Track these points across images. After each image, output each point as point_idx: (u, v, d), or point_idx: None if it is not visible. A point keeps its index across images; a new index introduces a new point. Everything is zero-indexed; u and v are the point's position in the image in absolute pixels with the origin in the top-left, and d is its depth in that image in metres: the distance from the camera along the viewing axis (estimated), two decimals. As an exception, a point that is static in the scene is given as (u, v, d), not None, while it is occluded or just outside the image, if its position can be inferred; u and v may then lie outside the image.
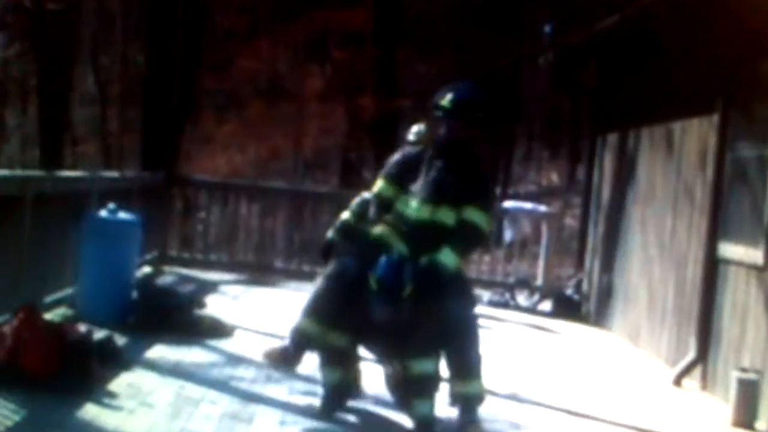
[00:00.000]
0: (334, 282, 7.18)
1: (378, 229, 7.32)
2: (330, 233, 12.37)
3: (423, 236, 7.07)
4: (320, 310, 7.18)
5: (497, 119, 7.95)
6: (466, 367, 7.11)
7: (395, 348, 7.10)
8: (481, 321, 7.46)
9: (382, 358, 7.39)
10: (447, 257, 6.94)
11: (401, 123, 21.08)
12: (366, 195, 12.61)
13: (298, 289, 14.26)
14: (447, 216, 7.05)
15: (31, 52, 24.47)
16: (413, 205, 7.12)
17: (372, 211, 7.55)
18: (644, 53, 12.47)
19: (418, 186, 7.13)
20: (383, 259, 6.96)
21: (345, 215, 12.54)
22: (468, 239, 7.11)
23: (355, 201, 12.57)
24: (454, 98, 7.09)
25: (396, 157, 7.45)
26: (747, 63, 9.39)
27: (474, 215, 7.02)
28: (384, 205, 7.37)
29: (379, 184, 7.46)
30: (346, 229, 12.34)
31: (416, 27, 27.83)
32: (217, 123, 28.04)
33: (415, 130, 12.63)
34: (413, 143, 12.37)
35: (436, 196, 7.06)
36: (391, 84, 24.99)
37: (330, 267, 7.33)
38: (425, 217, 7.08)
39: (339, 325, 7.20)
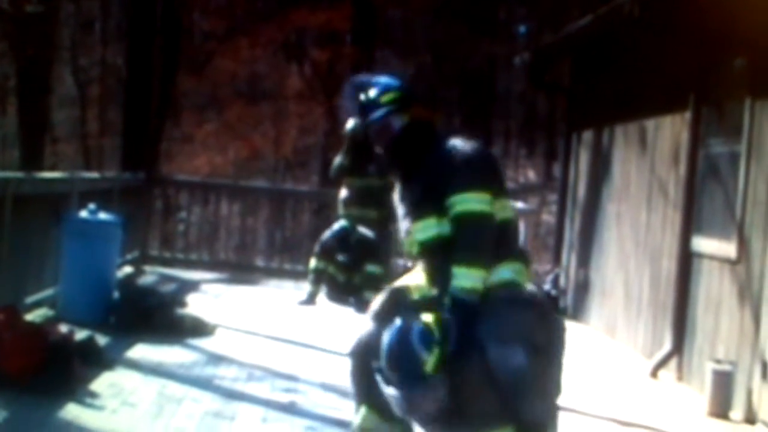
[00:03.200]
0: (360, 360, 5.56)
1: (410, 276, 5.67)
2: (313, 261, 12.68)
3: (436, 266, 5.32)
4: (363, 393, 5.60)
5: (415, 86, 5.19)
6: (529, 424, 5.17)
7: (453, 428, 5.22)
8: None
9: None
10: (461, 279, 5.07)
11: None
12: (327, 233, 12.95)
13: (279, 287, 14.39)
14: (427, 228, 5.29)
15: (10, 54, 24.41)
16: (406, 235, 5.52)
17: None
18: (618, 52, 12.58)
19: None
20: (384, 338, 5.16)
21: (312, 263, 12.85)
22: (469, 237, 5.13)
23: (319, 241, 12.92)
24: (350, 111, 5.69)
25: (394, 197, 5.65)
26: (718, 61, 9.51)
27: (458, 204, 5.15)
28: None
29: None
30: (319, 275, 12.67)
31: (394, 27, 27.91)
32: (197, 123, 28.05)
33: (348, 127, 12.93)
34: (349, 136, 12.67)
35: (413, 214, 5.37)
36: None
37: (353, 342, 5.71)
38: (416, 244, 5.41)
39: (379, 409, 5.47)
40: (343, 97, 5.69)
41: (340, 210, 12.96)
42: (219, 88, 27.75)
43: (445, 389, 5.00)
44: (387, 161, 5.57)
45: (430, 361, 4.97)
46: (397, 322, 5.13)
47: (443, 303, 5.14)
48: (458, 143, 5.36)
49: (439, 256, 5.24)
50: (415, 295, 5.42)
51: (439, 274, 5.23)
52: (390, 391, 5.06)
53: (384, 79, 5.58)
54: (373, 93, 5.46)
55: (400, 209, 5.48)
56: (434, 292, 5.30)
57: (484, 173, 5.26)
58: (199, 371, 8.50)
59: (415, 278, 5.52)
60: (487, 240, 5.15)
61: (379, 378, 5.14)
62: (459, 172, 5.20)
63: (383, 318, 5.39)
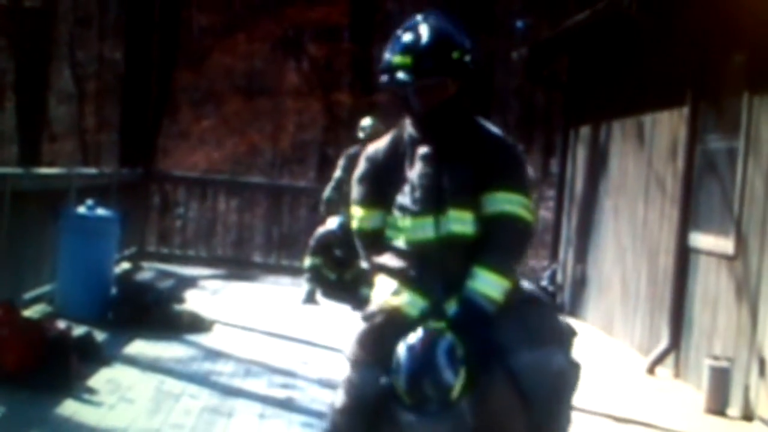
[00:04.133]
0: (352, 419, 4.52)
1: (381, 293, 4.65)
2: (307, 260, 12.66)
3: (441, 268, 4.47)
4: None
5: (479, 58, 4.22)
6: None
7: None
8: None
9: None
10: (486, 285, 4.39)
11: (377, 117, 21.16)
12: (322, 229, 12.94)
13: (277, 283, 14.41)
14: (462, 222, 4.46)
15: (8, 49, 24.46)
16: (408, 224, 4.52)
17: (362, 257, 4.86)
18: (615, 48, 12.60)
19: (405, 194, 4.54)
20: (402, 351, 4.28)
21: (307, 261, 12.84)
22: (508, 241, 4.47)
23: (314, 237, 12.92)
24: (412, 46, 4.45)
25: (361, 166, 4.73)
26: (716, 57, 9.51)
27: (505, 202, 4.45)
28: (372, 241, 4.69)
29: (355, 216, 4.75)
30: (316, 272, 12.67)
31: (391, 22, 27.90)
32: (194, 119, 28.06)
33: (363, 125, 12.94)
34: (362, 140, 12.69)
35: (434, 200, 4.47)
36: (367, 79, 25.09)
37: (338, 392, 4.60)
38: (430, 236, 4.48)
39: None
40: (405, 31, 4.54)
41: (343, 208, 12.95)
42: (216, 84, 27.76)
43: (473, 416, 4.26)
44: (421, 129, 4.53)
45: (456, 385, 4.20)
46: (418, 333, 4.28)
47: (447, 311, 4.42)
48: (496, 130, 4.66)
49: (459, 256, 4.45)
50: (413, 312, 4.47)
51: (451, 277, 4.42)
52: (407, 418, 4.28)
53: (462, 30, 4.61)
54: (446, 42, 4.49)
55: (405, 193, 4.53)
56: (431, 302, 4.47)
57: (528, 174, 4.67)
58: (196, 367, 8.52)
59: (388, 294, 4.57)
60: (524, 252, 4.60)
61: (393, 400, 4.31)
62: (510, 168, 4.54)
63: (375, 360, 4.42)
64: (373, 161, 4.69)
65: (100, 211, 10.28)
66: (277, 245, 16.73)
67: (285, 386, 8.08)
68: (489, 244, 4.43)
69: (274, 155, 28.36)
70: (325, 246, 12.78)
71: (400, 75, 4.42)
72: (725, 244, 8.97)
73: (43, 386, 7.07)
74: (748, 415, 8.26)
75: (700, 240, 9.64)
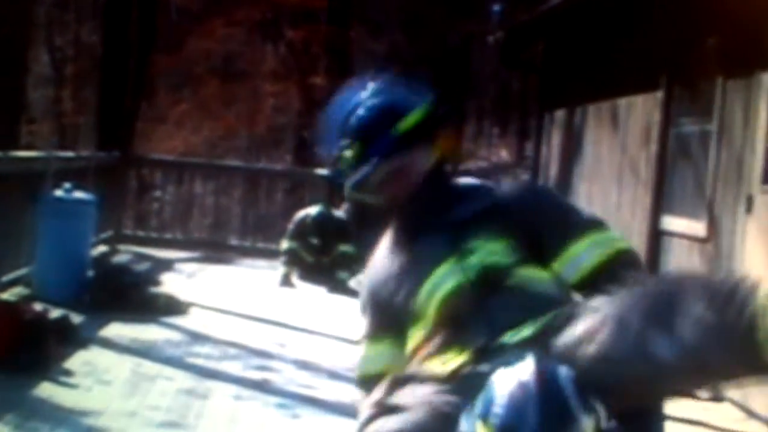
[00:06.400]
0: None
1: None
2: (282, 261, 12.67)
3: (485, 318, 3.12)
4: None
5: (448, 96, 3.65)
6: None
7: None
8: None
9: None
10: None
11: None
12: (302, 213, 12.95)
13: (253, 266, 14.44)
14: (494, 253, 3.21)
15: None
16: (425, 290, 3.22)
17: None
18: (590, 32, 12.65)
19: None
20: (503, 399, 2.79)
21: (285, 244, 12.87)
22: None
23: (293, 222, 12.96)
24: (354, 132, 3.36)
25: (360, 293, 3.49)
26: (690, 41, 9.58)
27: (593, 249, 3.33)
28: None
29: (359, 359, 3.46)
30: (293, 255, 12.69)
31: (368, 5, 27.87)
32: (171, 102, 27.99)
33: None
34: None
35: (450, 243, 3.24)
36: (344, 63, 25.09)
37: None
38: (460, 280, 3.19)
39: None
40: (326, 128, 3.59)
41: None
42: (193, 67, 27.70)
43: None
44: (402, 227, 3.38)
45: (588, 427, 2.83)
46: (527, 364, 2.86)
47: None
48: (506, 184, 3.68)
49: (509, 304, 3.12)
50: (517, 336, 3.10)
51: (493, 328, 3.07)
52: None
53: (401, 89, 3.46)
54: (389, 113, 3.34)
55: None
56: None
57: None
58: (173, 349, 8.55)
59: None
60: None
61: None
62: (559, 206, 3.51)
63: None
64: (370, 279, 3.45)
65: (78, 194, 10.29)
66: (253, 228, 16.75)
67: (261, 368, 8.12)
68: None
69: (251, 138, 28.34)
70: (302, 230, 12.86)
71: (354, 173, 3.32)
72: (697, 227, 9.05)
73: (19, 368, 7.07)
74: (717, 397, 8.31)
75: (673, 223, 9.72)
